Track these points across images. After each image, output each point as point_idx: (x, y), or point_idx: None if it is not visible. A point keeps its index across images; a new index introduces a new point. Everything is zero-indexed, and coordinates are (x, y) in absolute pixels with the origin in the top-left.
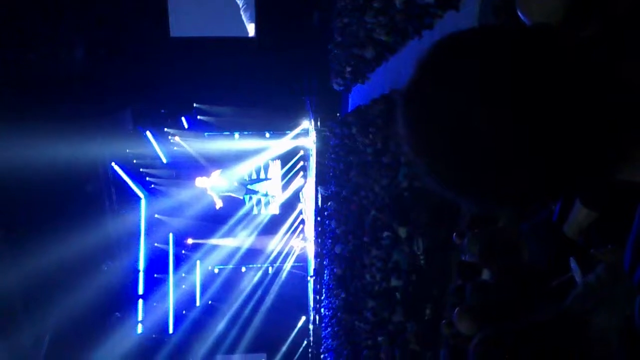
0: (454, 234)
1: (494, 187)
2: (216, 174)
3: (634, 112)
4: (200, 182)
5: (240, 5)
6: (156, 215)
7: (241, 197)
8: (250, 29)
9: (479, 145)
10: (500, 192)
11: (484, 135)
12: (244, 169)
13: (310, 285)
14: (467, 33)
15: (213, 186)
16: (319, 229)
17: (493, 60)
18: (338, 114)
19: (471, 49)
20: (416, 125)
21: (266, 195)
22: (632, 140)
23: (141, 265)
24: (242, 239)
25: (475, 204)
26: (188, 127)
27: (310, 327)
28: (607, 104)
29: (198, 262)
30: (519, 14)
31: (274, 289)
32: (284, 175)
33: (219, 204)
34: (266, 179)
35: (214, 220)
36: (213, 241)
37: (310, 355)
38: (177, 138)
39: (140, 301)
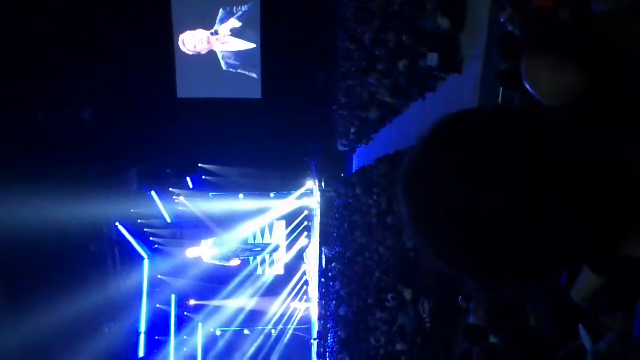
0: (461, 297)
1: (495, 268)
2: (207, 243)
3: (636, 192)
4: (191, 252)
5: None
6: (159, 276)
7: (228, 264)
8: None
9: (480, 227)
10: (502, 273)
11: (485, 218)
12: (247, 230)
13: (314, 349)
14: (469, 114)
15: (207, 254)
16: (323, 291)
17: (495, 143)
18: (342, 175)
19: (473, 131)
20: (418, 205)
21: (271, 254)
22: (637, 219)
23: (143, 327)
24: (246, 300)
25: (477, 282)
26: (193, 187)
27: None
28: (612, 186)
29: (200, 324)
30: (526, 85)
31: (277, 352)
32: (288, 236)
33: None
34: (267, 245)
35: (217, 281)
36: (216, 302)
37: None
38: (181, 198)
39: None
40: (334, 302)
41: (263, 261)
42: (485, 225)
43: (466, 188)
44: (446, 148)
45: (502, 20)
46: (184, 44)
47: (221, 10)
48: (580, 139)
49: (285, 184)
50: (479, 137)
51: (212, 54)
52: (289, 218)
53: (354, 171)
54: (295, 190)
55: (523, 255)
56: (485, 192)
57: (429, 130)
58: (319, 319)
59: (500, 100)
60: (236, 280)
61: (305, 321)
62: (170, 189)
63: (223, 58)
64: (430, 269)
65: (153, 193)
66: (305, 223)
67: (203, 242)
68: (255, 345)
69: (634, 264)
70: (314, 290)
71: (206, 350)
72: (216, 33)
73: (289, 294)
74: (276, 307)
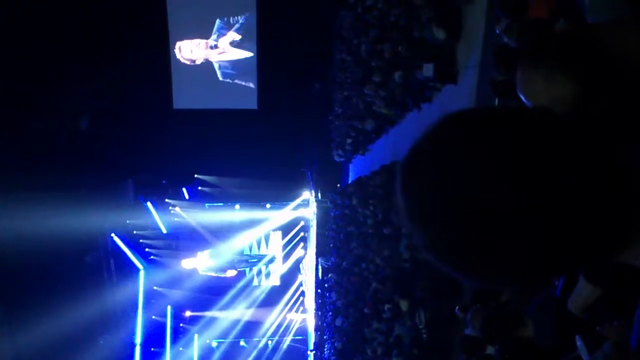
0: (457, 307)
1: (491, 266)
2: (204, 254)
3: (634, 197)
4: (186, 263)
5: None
6: (155, 287)
7: (223, 275)
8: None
9: (477, 223)
10: (498, 272)
11: (482, 213)
12: (243, 241)
13: None
14: (473, 111)
15: (203, 266)
16: (320, 301)
17: (495, 140)
18: (338, 185)
19: (474, 128)
20: (415, 197)
21: (267, 265)
22: (633, 225)
23: (138, 339)
24: (242, 312)
25: (472, 281)
26: (189, 198)
27: None
28: (609, 189)
29: (196, 335)
30: (520, 95)
31: None
32: (284, 246)
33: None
34: (263, 256)
35: (213, 292)
36: (212, 314)
37: None
38: (177, 209)
39: None
40: (330, 312)
41: (259, 272)
42: (483, 223)
43: (465, 185)
44: (448, 145)
45: (497, 31)
46: (180, 50)
47: (218, 21)
48: (579, 144)
49: (281, 195)
50: (481, 137)
51: (208, 64)
52: (285, 229)
53: (350, 182)
54: (291, 201)
55: (515, 257)
56: (483, 186)
57: (431, 126)
58: (315, 329)
59: None
60: (232, 292)
61: (302, 332)
62: (166, 200)
63: (220, 68)
64: (427, 275)
65: (149, 204)
66: (301, 234)
67: (199, 253)
68: (252, 356)
69: (630, 273)
70: (310, 301)
71: None
72: (215, 47)
73: (285, 305)
74: (272, 318)
